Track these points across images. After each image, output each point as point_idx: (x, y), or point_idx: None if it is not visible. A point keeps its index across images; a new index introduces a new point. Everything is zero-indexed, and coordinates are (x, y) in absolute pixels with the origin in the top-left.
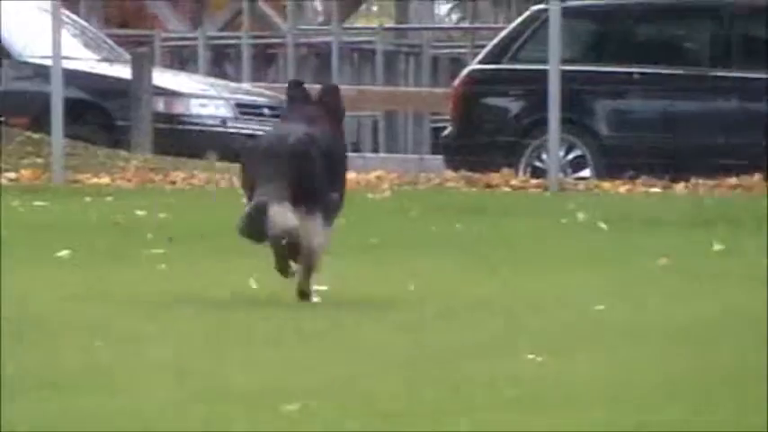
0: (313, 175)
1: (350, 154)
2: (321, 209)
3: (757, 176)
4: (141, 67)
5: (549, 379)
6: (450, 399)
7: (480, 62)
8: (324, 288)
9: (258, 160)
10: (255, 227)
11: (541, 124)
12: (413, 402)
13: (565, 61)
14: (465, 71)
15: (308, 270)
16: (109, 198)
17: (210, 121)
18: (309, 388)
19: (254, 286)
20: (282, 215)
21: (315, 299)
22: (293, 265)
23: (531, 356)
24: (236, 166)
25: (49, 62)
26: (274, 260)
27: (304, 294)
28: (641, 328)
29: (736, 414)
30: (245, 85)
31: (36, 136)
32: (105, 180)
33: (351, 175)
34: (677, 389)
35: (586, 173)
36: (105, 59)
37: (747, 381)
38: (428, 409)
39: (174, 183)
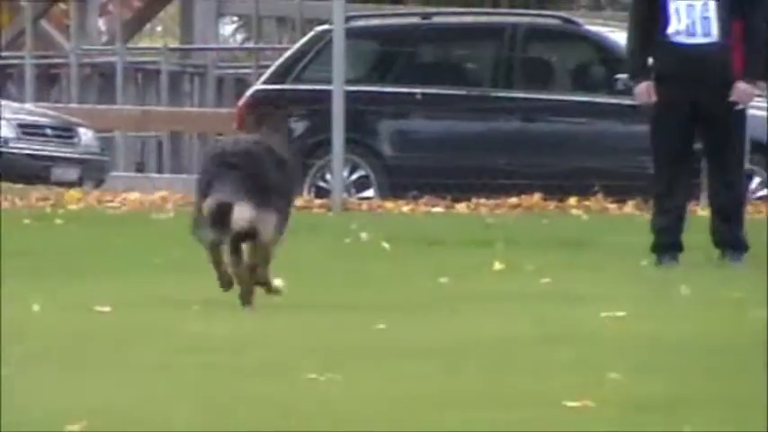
0: (266, 174)
1: (134, 174)
2: (274, 205)
3: (537, 196)
4: None
5: (330, 397)
6: (228, 418)
7: (265, 82)
8: (107, 309)
9: (214, 163)
10: (219, 224)
11: (325, 144)
12: (195, 424)
13: (349, 81)
14: (249, 91)
15: (265, 261)
16: None
17: None
18: (93, 408)
19: (37, 309)
20: (245, 212)
21: (278, 282)
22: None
23: (312, 375)
24: (20, 187)
25: None
26: (221, 270)
27: (266, 284)
28: (421, 346)
29: None
30: (28, 106)
31: None
32: None
33: (135, 196)
34: (457, 404)
35: (370, 193)
36: None
37: (519, 398)
38: (214, 428)
39: None
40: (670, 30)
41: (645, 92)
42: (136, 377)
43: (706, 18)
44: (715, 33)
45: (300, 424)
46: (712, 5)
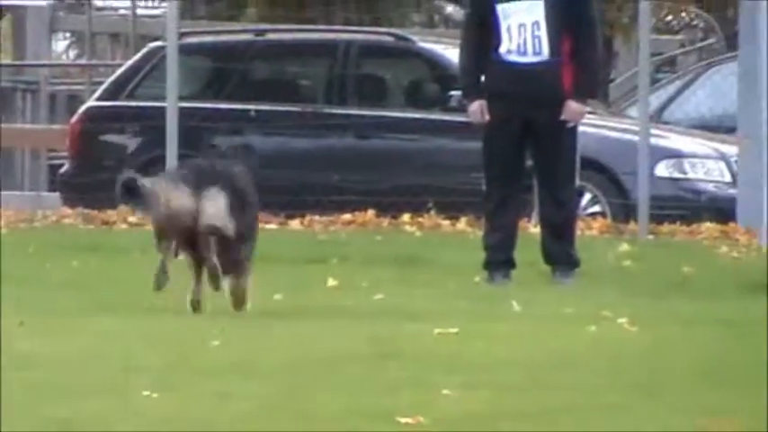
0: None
1: None
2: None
3: (370, 213)
4: None
5: (163, 414)
6: None
7: (98, 99)
8: None
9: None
10: None
11: (159, 161)
12: None
13: (182, 98)
14: (82, 108)
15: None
16: None
17: None
18: None
19: None
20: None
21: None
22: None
23: (146, 393)
24: None
25: None
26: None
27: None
28: (257, 363)
29: None
30: None
31: None
32: None
33: None
34: (292, 420)
35: None
36: None
37: (353, 415)
38: None
39: None
40: (502, 49)
41: (478, 110)
42: None
43: (536, 37)
44: (545, 52)
45: None
46: (543, 25)
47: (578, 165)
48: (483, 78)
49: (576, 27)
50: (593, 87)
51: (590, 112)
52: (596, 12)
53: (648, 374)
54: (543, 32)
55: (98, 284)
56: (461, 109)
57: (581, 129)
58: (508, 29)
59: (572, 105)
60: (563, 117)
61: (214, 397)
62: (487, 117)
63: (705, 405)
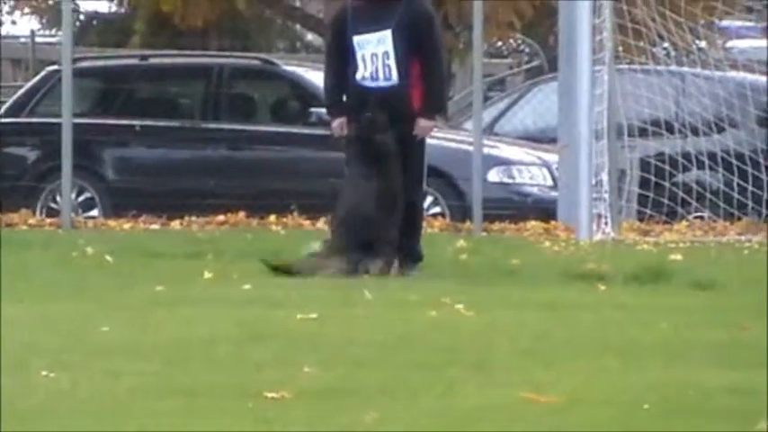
0: None
1: None
2: None
3: (241, 214)
4: None
5: (59, 391)
6: None
7: (1, 116)
8: None
9: None
10: None
11: (56, 170)
12: None
13: (76, 115)
14: None
15: None
16: None
17: None
18: None
19: None
20: None
21: None
22: None
23: (44, 373)
24: None
25: None
26: None
27: None
28: (140, 345)
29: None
30: None
31: None
32: None
33: None
34: (175, 395)
35: (95, 212)
36: None
37: (225, 391)
38: None
39: None
40: (358, 75)
41: (338, 127)
42: None
43: (387, 65)
44: (395, 77)
45: (25, 422)
46: (391, 54)
47: (425, 172)
48: (345, 98)
49: (422, 54)
50: (440, 106)
51: (435, 127)
52: (440, 39)
53: (481, 353)
54: (392, 61)
55: (5, 278)
56: (320, 123)
57: (427, 141)
58: (362, 57)
59: (422, 122)
60: (415, 132)
61: (106, 375)
62: (346, 132)
63: (530, 380)
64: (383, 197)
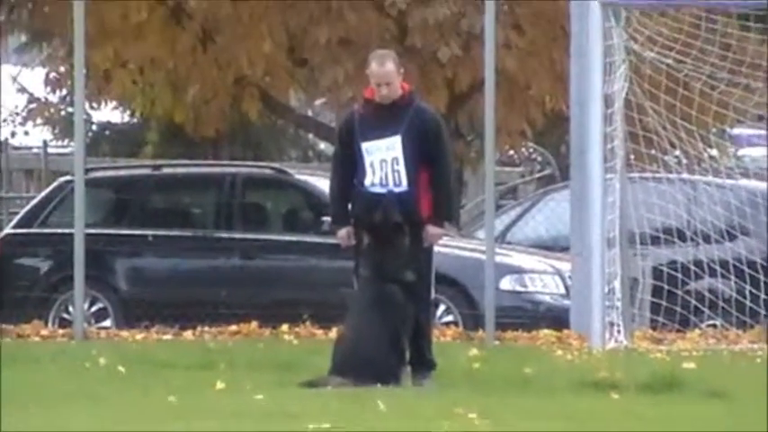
0: None
1: None
2: None
3: (254, 324)
4: None
5: None
6: None
7: (14, 227)
8: None
9: None
10: None
11: (68, 281)
12: None
13: (88, 225)
14: (0, 235)
15: None
16: None
17: None
18: None
19: None
20: None
21: None
22: None
23: None
24: None
25: None
26: None
27: None
28: None
29: None
30: None
31: None
32: None
33: None
34: None
35: (108, 323)
36: None
37: None
38: None
39: None
40: (367, 181)
41: (345, 235)
42: None
43: (396, 171)
44: (404, 183)
45: None
46: (401, 160)
47: (434, 279)
48: (350, 207)
49: (431, 161)
50: (450, 213)
51: (445, 235)
52: (448, 146)
53: None
54: (402, 167)
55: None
56: (332, 232)
57: (436, 248)
58: (371, 164)
59: (431, 229)
60: (424, 239)
61: None
62: (353, 241)
63: None
64: (388, 340)
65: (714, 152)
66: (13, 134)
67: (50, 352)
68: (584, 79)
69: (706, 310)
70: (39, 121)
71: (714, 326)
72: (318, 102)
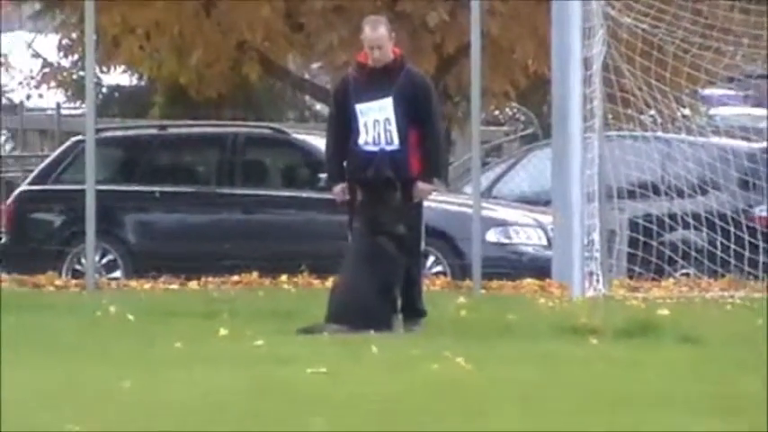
0: None
1: None
2: None
3: (255, 274)
4: None
5: None
6: None
7: (29, 184)
8: None
9: None
10: None
11: (81, 234)
12: None
13: (99, 182)
14: (16, 192)
15: None
16: None
17: None
18: None
19: None
20: None
21: None
22: None
23: (69, 427)
24: None
25: None
26: None
27: None
28: (159, 401)
29: None
30: None
31: None
32: None
33: None
34: None
35: (118, 274)
36: None
37: None
38: None
39: None
40: (360, 140)
41: (340, 192)
42: None
43: (388, 131)
44: (396, 142)
45: None
46: (392, 120)
47: (424, 233)
48: (345, 164)
49: (421, 121)
50: (438, 170)
51: (434, 190)
52: (437, 107)
53: (479, 403)
54: (393, 126)
55: (32, 337)
56: (328, 188)
57: (426, 203)
58: (365, 124)
59: (421, 185)
60: (414, 195)
61: (128, 427)
62: (348, 196)
63: (526, 426)
64: (380, 289)
65: (687, 111)
66: (28, 97)
67: (64, 301)
68: (564, 43)
69: (679, 260)
70: (52, 84)
71: (687, 275)
72: (315, 65)
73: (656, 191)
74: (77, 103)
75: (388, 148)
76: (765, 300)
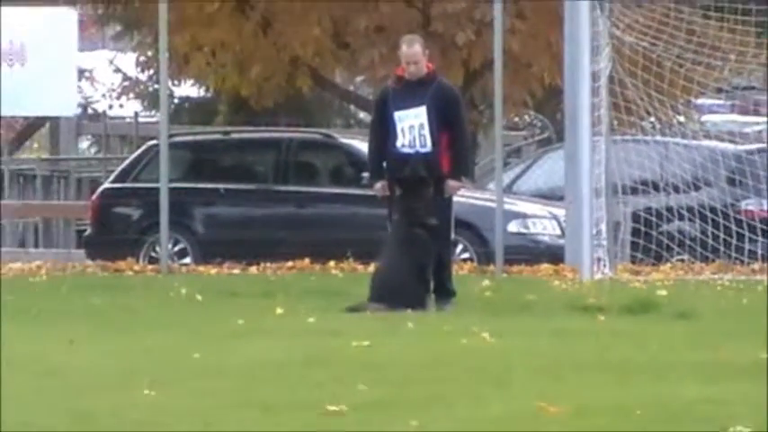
0: None
1: (16, 249)
2: None
3: (306, 260)
4: None
5: (158, 406)
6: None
7: (111, 182)
8: None
9: None
10: None
11: (155, 226)
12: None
13: (171, 180)
14: (100, 189)
15: None
16: None
17: None
18: None
19: None
20: None
21: None
22: None
23: (146, 391)
24: None
25: None
26: None
27: None
28: (224, 369)
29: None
30: None
31: None
32: None
33: (16, 265)
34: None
35: (188, 260)
36: None
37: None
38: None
39: None
40: (398, 143)
41: (381, 189)
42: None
43: (422, 135)
44: (429, 145)
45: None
46: (426, 126)
47: (453, 224)
48: (385, 164)
49: (450, 127)
50: (466, 169)
51: (463, 187)
52: (464, 114)
53: (503, 372)
54: (427, 131)
55: (113, 314)
56: (370, 186)
57: (455, 198)
58: (402, 129)
59: (451, 182)
60: (444, 191)
61: (196, 393)
62: (388, 193)
63: (542, 394)
64: (415, 272)
65: (682, 118)
66: (110, 107)
67: (141, 283)
68: (575, 59)
69: (675, 248)
70: (131, 95)
71: (682, 260)
72: (358, 78)
73: (656, 187)
74: (152, 112)
75: (422, 150)
76: (750, 281)
